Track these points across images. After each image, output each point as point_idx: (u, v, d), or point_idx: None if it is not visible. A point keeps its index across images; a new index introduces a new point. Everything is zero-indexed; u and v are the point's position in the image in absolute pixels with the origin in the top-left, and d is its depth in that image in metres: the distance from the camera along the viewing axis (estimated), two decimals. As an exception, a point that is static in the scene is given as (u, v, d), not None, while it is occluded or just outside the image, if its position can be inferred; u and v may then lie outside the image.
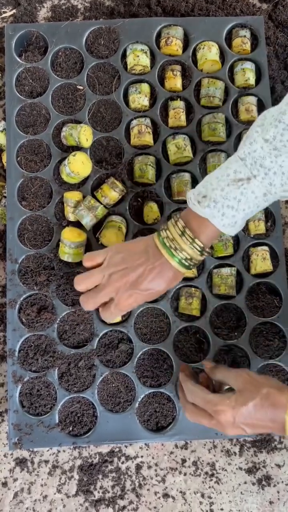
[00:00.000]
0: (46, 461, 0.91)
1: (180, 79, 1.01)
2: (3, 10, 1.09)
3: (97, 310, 0.89)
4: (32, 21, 1.07)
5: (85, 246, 0.92)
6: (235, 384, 0.75)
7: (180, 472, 0.91)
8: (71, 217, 0.94)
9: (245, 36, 1.02)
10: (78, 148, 0.97)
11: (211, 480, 0.91)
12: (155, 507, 0.89)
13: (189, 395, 0.79)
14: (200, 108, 1.00)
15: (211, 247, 0.78)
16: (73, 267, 0.93)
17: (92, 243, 0.94)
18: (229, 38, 1.04)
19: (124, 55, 1.02)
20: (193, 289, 0.93)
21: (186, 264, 0.78)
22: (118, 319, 0.91)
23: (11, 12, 1.08)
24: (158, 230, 0.80)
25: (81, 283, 0.83)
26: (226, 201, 0.74)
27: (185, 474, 0.91)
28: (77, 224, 0.94)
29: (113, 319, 0.88)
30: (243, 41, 1.01)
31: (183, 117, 0.99)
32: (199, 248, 0.76)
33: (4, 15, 1.08)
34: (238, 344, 0.91)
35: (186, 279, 0.94)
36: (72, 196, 0.93)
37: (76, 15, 1.09)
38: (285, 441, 0.92)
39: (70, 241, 0.89)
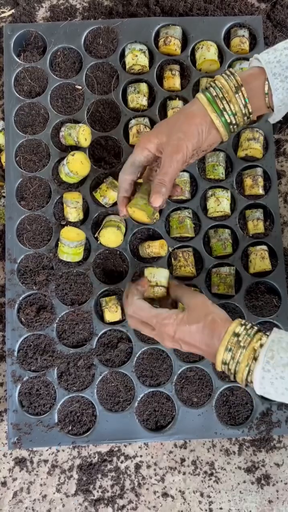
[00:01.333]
0: (46, 461, 0.91)
1: (178, 78, 1.01)
2: (1, 10, 1.08)
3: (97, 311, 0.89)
4: (30, 21, 1.07)
5: (84, 245, 0.93)
6: (187, 303, 0.76)
7: (179, 472, 0.91)
8: (70, 217, 0.94)
9: (243, 35, 1.02)
10: (77, 147, 0.97)
11: (210, 479, 0.91)
12: (154, 507, 0.89)
13: (132, 309, 0.79)
14: (199, 107, 1.00)
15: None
16: (72, 266, 0.93)
17: (91, 242, 0.94)
18: (227, 38, 1.04)
19: (122, 55, 1.02)
20: (192, 288, 0.93)
21: (232, 130, 0.76)
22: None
23: (10, 12, 1.08)
24: (204, 89, 0.77)
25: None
26: (285, 51, 0.73)
27: (184, 474, 0.91)
28: (76, 224, 0.94)
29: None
30: (241, 41, 1.02)
31: (181, 116, 0.99)
32: (248, 110, 0.75)
33: (2, 15, 1.08)
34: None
35: (184, 278, 0.94)
36: (71, 197, 0.93)
37: (75, 15, 1.09)
38: (284, 440, 0.92)
39: (69, 241, 0.89)
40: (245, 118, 0.76)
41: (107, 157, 0.98)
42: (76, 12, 1.09)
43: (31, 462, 0.91)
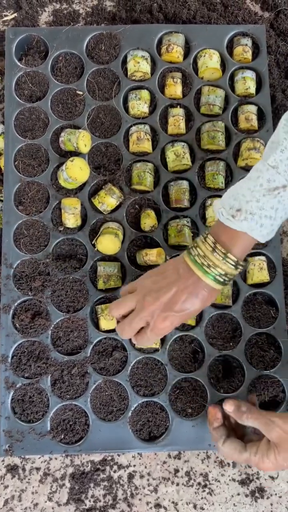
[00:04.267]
0: (38, 469, 0.90)
1: (180, 86, 1.00)
2: (4, 13, 1.08)
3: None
4: (33, 25, 1.07)
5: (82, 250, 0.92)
6: (268, 436, 0.73)
7: (172, 482, 0.90)
8: (68, 223, 0.93)
9: (246, 44, 1.02)
10: (76, 153, 0.97)
11: (204, 491, 0.90)
12: (146, 518, 0.88)
13: (222, 454, 0.79)
14: (200, 116, 0.99)
15: (245, 259, 0.75)
16: (69, 273, 0.92)
17: (88, 249, 0.94)
18: (230, 46, 1.03)
19: (124, 61, 1.01)
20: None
21: (221, 280, 0.74)
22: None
23: (12, 16, 1.08)
24: (187, 249, 0.77)
25: (115, 308, 0.80)
26: (263, 212, 0.71)
27: (177, 485, 0.90)
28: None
29: (149, 344, 0.85)
30: (244, 50, 1.01)
31: (182, 124, 0.98)
32: (232, 263, 0.73)
33: (5, 18, 1.08)
34: (233, 354, 0.91)
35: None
36: (69, 203, 0.92)
37: (78, 20, 1.08)
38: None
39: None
40: (238, 267, 0.75)
41: (106, 163, 0.97)
42: (79, 17, 1.09)
43: (23, 469, 0.90)
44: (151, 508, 0.88)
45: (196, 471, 0.91)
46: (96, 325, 0.92)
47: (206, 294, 0.75)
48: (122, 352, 0.91)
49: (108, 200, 0.93)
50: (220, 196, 0.96)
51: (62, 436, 0.88)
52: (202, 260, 0.73)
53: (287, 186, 0.71)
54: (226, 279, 0.75)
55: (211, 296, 0.76)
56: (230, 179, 0.98)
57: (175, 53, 1.00)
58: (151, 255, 0.91)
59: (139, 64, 0.99)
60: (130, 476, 0.90)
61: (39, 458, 0.90)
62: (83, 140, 0.93)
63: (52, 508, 0.88)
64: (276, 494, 0.90)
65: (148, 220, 0.93)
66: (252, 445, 0.75)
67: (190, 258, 0.75)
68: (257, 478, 0.90)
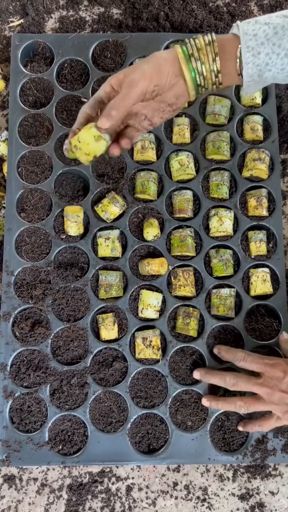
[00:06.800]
0: (35, 479, 0.89)
1: (186, 95, 1.00)
2: (10, 19, 1.08)
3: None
4: (39, 31, 1.07)
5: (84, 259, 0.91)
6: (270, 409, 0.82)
7: (171, 496, 0.89)
8: (70, 231, 0.93)
9: (253, 54, 1.01)
10: (80, 161, 0.96)
11: (203, 505, 0.89)
12: (143, 532, 0.87)
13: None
14: (205, 125, 0.99)
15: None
16: (70, 281, 0.92)
17: (90, 258, 0.93)
18: (237, 56, 1.03)
19: (130, 69, 1.01)
20: (191, 309, 0.91)
21: (198, 81, 0.75)
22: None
23: (19, 22, 1.08)
24: (184, 40, 0.76)
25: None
26: (265, 26, 0.72)
27: (176, 498, 0.89)
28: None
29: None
30: (250, 59, 1.00)
31: (187, 134, 0.98)
32: (217, 67, 0.74)
33: (11, 24, 1.08)
34: (234, 366, 0.90)
35: (184, 298, 0.92)
36: (72, 211, 0.91)
37: (84, 27, 1.08)
38: (280, 468, 0.90)
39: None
40: (213, 75, 0.75)
41: (110, 172, 0.97)
42: (86, 24, 1.08)
43: (20, 480, 0.89)
44: (149, 521, 0.87)
45: (195, 484, 0.89)
46: (97, 335, 0.91)
47: (173, 74, 0.75)
48: (123, 363, 0.90)
49: (111, 209, 0.93)
50: (223, 207, 0.95)
51: (60, 447, 0.87)
52: (194, 51, 0.74)
53: None
54: (203, 83, 0.75)
55: (177, 84, 0.75)
56: (234, 190, 0.97)
57: (181, 61, 0.99)
58: (153, 265, 0.90)
59: (144, 72, 0.98)
60: (129, 489, 0.89)
61: (37, 468, 0.89)
62: (87, 148, 0.93)
63: (49, 519, 0.87)
64: (276, 510, 0.89)
65: (151, 229, 0.93)
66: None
67: (182, 49, 0.75)
68: (257, 494, 0.89)
